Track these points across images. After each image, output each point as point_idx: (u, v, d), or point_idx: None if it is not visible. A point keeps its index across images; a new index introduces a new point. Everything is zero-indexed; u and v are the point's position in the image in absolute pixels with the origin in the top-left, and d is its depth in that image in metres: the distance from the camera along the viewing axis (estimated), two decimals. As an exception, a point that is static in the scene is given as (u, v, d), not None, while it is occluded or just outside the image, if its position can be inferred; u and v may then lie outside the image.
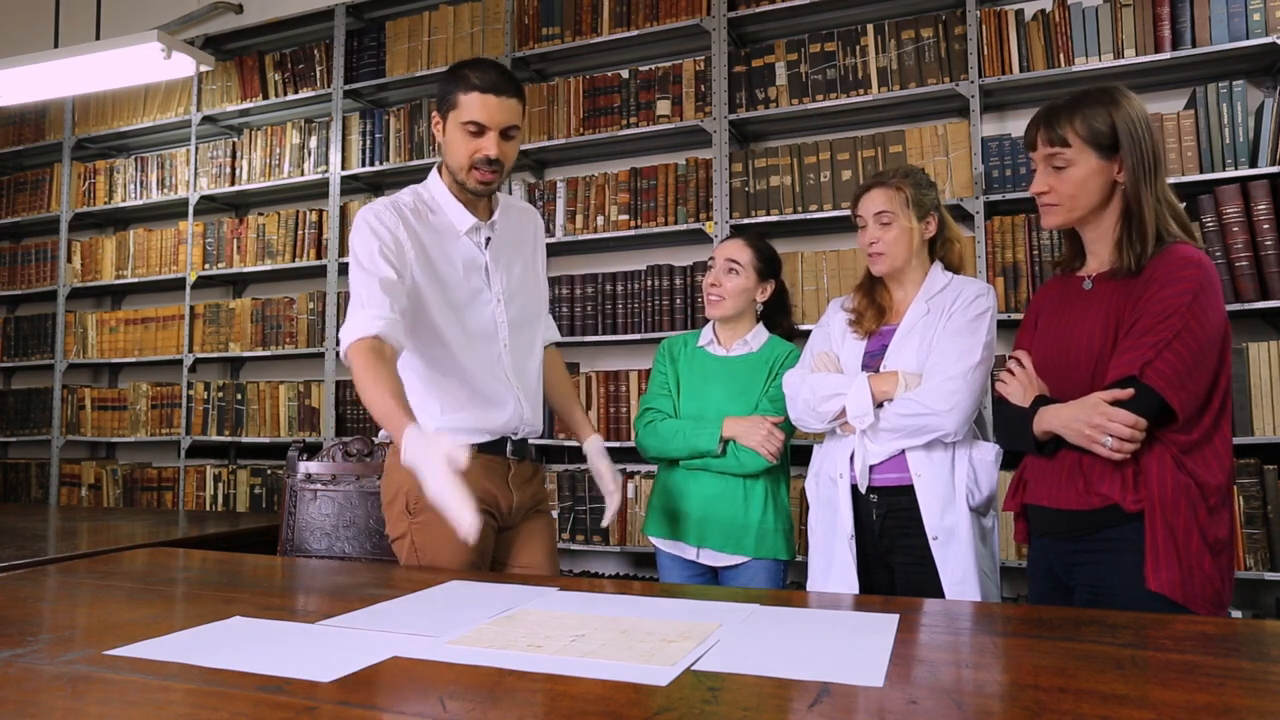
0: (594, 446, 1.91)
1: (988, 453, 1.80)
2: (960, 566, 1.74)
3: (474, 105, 1.57)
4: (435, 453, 1.31)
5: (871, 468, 1.81)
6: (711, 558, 2.07)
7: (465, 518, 1.26)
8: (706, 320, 2.24)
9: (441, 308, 1.64)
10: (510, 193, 1.87)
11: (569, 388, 2.02)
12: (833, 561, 1.85)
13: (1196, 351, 1.35)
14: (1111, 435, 1.36)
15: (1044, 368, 1.53)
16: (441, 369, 1.66)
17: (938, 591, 1.75)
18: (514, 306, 1.74)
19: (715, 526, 2.04)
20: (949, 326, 1.81)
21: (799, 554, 2.17)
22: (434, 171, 1.72)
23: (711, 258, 2.18)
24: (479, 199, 1.70)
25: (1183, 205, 2.50)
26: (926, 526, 1.76)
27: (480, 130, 1.58)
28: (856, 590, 1.80)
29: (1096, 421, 1.36)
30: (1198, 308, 1.36)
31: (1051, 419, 1.44)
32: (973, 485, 1.77)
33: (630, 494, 3.02)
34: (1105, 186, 1.47)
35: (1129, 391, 1.35)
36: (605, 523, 1.90)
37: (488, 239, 1.72)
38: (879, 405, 1.78)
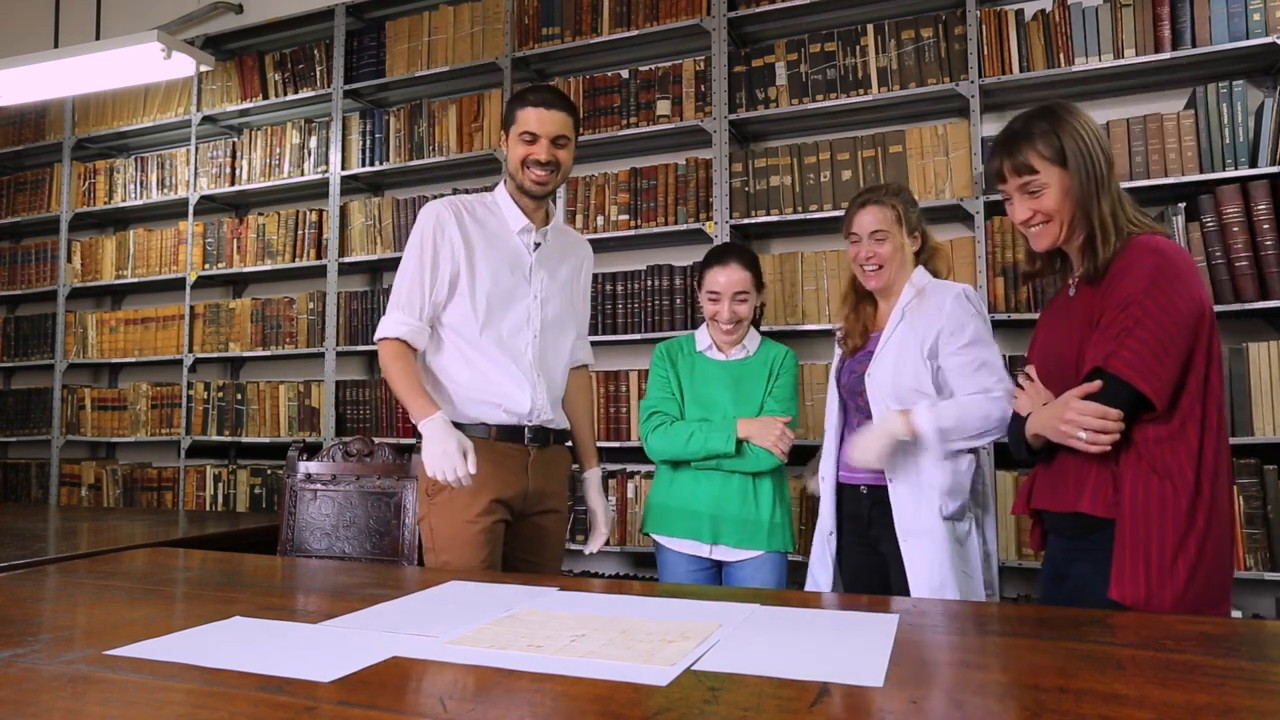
0: (593, 481, 2.09)
1: (961, 460, 1.84)
2: (931, 566, 1.79)
3: (528, 118, 1.87)
4: (445, 440, 1.70)
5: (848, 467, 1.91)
6: (725, 553, 2.13)
7: (456, 470, 1.67)
8: (705, 321, 2.26)
9: (483, 294, 1.87)
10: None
11: (586, 411, 2.15)
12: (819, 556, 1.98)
13: (1161, 337, 1.35)
14: (1084, 429, 1.37)
15: (1042, 378, 1.57)
16: (473, 344, 1.88)
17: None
18: (550, 307, 1.95)
19: (730, 524, 2.10)
20: (957, 353, 1.82)
21: (800, 552, 2.19)
22: (501, 183, 1.98)
23: (715, 292, 2.15)
24: (537, 208, 1.94)
25: (1182, 205, 2.51)
26: (898, 528, 1.82)
27: (533, 139, 1.87)
28: (831, 583, 1.94)
29: (1069, 417, 1.38)
30: (1156, 292, 1.37)
31: (1033, 422, 1.49)
32: (945, 492, 1.81)
33: (630, 494, 3.03)
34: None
35: (1097, 384, 1.37)
36: (589, 551, 2.07)
37: (537, 244, 1.94)
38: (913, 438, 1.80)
